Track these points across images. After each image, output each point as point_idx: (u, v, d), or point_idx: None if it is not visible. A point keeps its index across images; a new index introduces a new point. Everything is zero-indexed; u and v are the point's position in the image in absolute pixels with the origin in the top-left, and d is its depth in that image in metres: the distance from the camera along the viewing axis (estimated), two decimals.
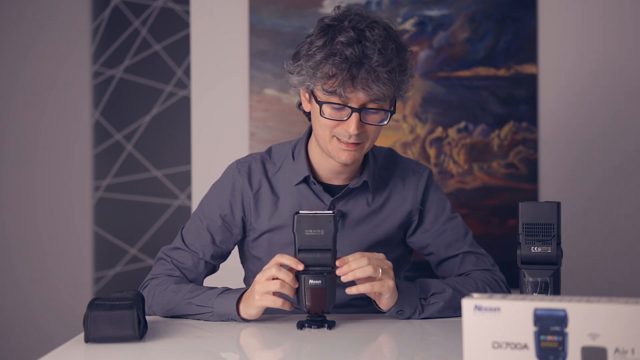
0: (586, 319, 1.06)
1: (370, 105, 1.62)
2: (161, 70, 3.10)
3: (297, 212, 1.55)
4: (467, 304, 1.10)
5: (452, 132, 2.70)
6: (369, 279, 1.55)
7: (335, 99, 1.61)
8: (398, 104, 1.71)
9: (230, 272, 2.04)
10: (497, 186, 2.70)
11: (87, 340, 1.42)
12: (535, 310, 1.08)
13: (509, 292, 1.80)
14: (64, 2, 3.12)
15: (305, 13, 2.70)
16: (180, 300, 1.67)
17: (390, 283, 1.57)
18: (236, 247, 1.87)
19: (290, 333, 1.54)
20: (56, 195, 3.13)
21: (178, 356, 1.39)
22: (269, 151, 1.84)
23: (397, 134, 2.70)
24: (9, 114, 3.14)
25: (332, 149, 1.67)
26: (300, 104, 1.76)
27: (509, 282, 1.81)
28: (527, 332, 1.08)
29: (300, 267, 1.52)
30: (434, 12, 2.70)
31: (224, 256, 1.83)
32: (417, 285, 1.66)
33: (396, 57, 1.61)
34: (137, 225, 3.11)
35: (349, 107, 1.61)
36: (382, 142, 1.76)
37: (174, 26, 3.10)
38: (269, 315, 1.66)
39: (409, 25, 2.70)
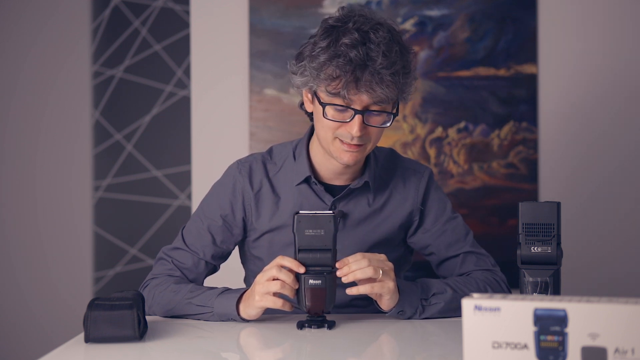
0: (586, 319, 1.06)
1: (373, 107, 1.62)
2: (161, 70, 3.10)
3: (297, 212, 1.55)
4: (467, 304, 1.10)
5: (452, 132, 2.70)
6: (369, 280, 1.55)
7: (338, 101, 1.61)
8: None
9: (230, 272, 2.05)
10: (497, 186, 2.70)
11: (87, 340, 1.42)
12: (535, 310, 1.08)
13: (510, 293, 1.80)
14: (64, 2, 3.13)
15: (305, 13, 2.70)
16: (180, 300, 1.67)
17: (390, 284, 1.57)
18: (236, 247, 1.87)
19: (290, 333, 1.54)
20: (56, 195, 3.13)
21: (178, 356, 1.39)
22: (270, 151, 1.84)
23: (397, 134, 2.70)
24: (9, 114, 3.14)
25: (334, 150, 1.67)
26: (302, 104, 1.76)
27: (509, 282, 1.81)
28: (527, 332, 1.08)
29: (302, 269, 1.52)
30: (434, 12, 2.70)
31: (224, 256, 1.83)
32: (418, 285, 1.66)
33: (400, 59, 1.61)
34: (137, 225, 3.11)
35: (352, 109, 1.61)
36: (382, 142, 1.76)
37: (174, 26, 3.10)
38: (269, 315, 1.66)
39: (409, 25, 2.70)
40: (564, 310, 1.07)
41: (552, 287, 1.50)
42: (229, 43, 2.72)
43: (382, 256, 1.58)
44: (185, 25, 3.06)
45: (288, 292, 1.53)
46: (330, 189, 1.77)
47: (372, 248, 1.76)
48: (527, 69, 2.70)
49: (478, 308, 1.10)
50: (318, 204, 1.76)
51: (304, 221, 1.53)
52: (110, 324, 1.41)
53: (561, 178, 2.71)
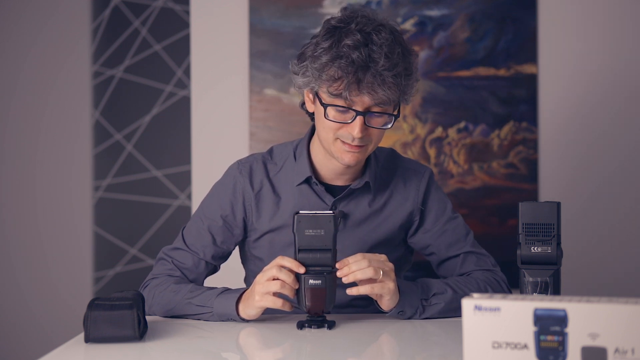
0: (586, 319, 1.06)
1: (375, 109, 1.62)
2: (161, 70, 3.10)
3: (297, 212, 1.55)
4: (467, 304, 1.10)
5: (452, 132, 2.70)
6: (369, 280, 1.55)
7: (340, 102, 1.61)
8: None
9: (230, 272, 2.05)
10: (497, 186, 2.70)
11: (87, 340, 1.42)
12: (535, 310, 1.08)
13: (510, 293, 1.80)
14: (64, 2, 3.12)
15: (305, 13, 2.70)
16: (180, 300, 1.67)
17: (390, 285, 1.57)
18: (237, 247, 1.87)
19: (290, 333, 1.54)
20: (56, 195, 3.13)
21: (178, 356, 1.39)
22: (271, 151, 1.84)
23: (397, 134, 2.70)
24: (9, 114, 3.14)
25: (335, 151, 1.67)
26: (303, 104, 1.76)
27: (509, 282, 1.81)
28: (527, 332, 1.08)
29: (302, 270, 1.52)
30: (434, 12, 2.70)
31: (224, 256, 1.83)
32: (418, 285, 1.66)
33: (402, 61, 1.61)
34: (137, 225, 3.11)
35: (354, 110, 1.61)
36: (383, 142, 1.75)
37: (174, 26, 3.10)
38: (268, 315, 1.66)
39: (409, 25, 2.70)
40: (564, 310, 1.07)
41: (552, 287, 1.50)
42: (229, 43, 2.72)
43: (383, 256, 1.58)
44: (185, 25, 3.06)
45: (288, 292, 1.53)
46: (330, 189, 1.77)
47: (372, 248, 1.76)
48: (527, 69, 2.70)
49: (478, 308, 1.10)
50: (319, 204, 1.76)
51: (304, 221, 1.53)
52: (110, 324, 1.41)
53: (561, 178, 2.71)
